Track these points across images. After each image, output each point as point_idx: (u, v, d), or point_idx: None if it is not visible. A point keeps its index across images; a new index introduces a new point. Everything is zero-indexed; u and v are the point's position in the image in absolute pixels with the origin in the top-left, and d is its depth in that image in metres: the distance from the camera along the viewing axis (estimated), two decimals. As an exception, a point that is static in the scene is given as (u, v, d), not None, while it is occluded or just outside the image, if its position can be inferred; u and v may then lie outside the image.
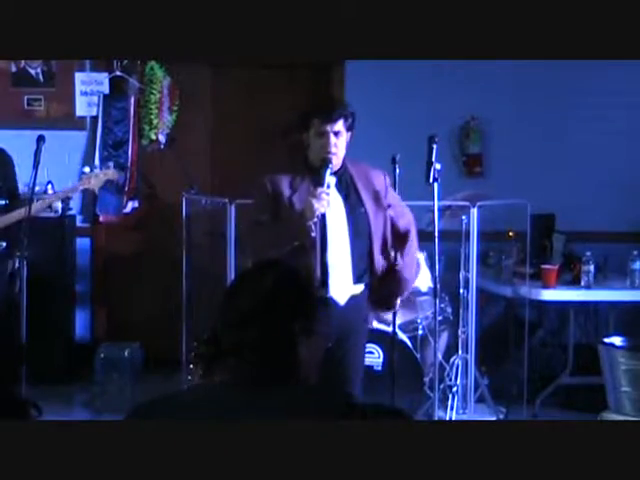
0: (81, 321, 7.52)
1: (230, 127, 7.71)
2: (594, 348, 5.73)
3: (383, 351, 5.92)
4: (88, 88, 7.37)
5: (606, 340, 5.67)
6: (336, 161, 4.40)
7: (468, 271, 6.12)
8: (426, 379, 6.01)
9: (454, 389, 6.09)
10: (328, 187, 4.25)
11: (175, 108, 7.47)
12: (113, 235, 7.56)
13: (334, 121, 4.37)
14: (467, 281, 6.14)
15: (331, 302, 4.34)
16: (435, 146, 5.05)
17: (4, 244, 6.24)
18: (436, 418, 5.47)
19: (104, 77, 7.38)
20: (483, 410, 6.25)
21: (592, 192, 7.52)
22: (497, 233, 6.73)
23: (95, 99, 7.38)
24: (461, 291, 6.15)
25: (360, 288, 4.44)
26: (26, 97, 7.29)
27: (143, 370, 6.97)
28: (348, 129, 4.47)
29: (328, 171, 4.30)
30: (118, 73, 7.36)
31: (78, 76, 7.36)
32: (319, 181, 4.29)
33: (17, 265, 5.99)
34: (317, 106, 4.50)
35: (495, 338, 6.84)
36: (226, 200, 6.06)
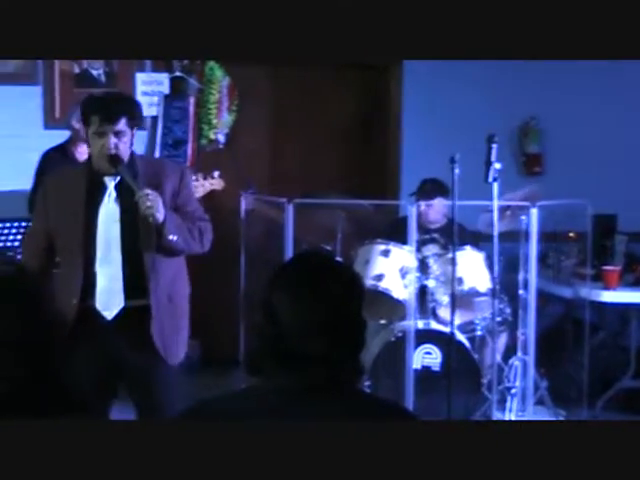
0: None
1: (288, 127, 7.73)
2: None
3: (441, 352, 5.90)
4: (149, 88, 7.42)
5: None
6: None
7: (527, 272, 6.07)
8: (484, 380, 5.97)
9: (512, 391, 6.04)
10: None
11: (234, 108, 7.49)
12: (173, 234, 7.60)
13: (117, 124, 4.00)
14: (526, 282, 6.09)
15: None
16: (494, 146, 5.03)
17: None
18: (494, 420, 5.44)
19: (164, 77, 7.43)
20: (542, 412, 6.20)
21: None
22: (557, 234, 6.67)
23: (155, 99, 7.43)
24: (520, 292, 6.10)
25: None
26: (88, 98, 7.36)
27: (200, 369, 7.00)
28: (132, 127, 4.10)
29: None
30: (178, 73, 7.41)
31: (139, 76, 7.41)
32: (96, 190, 4.06)
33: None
34: (97, 101, 4.12)
35: (555, 340, 6.78)
36: (284, 199, 6.06)
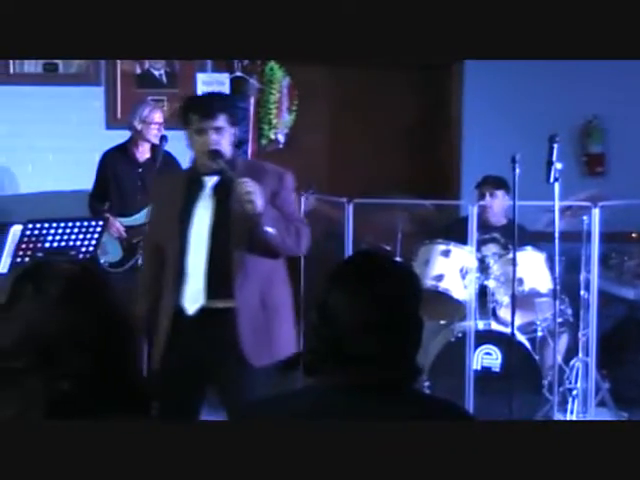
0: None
1: (349, 127, 7.73)
2: None
3: (501, 353, 5.87)
4: (209, 88, 7.45)
5: None
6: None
7: (589, 272, 6.02)
8: (545, 382, 5.93)
9: (574, 392, 6.00)
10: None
11: (294, 108, 7.52)
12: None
13: (216, 120, 4.08)
14: (588, 283, 6.04)
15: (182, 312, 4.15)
16: (556, 145, 5.00)
17: None
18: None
19: (225, 77, 7.47)
20: (604, 414, 6.14)
21: None
22: (619, 234, 6.61)
23: (216, 99, 7.48)
24: (582, 293, 6.06)
25: None
26: (149, 98, 7.43)
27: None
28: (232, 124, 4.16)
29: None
30: (238, 74, 7.44)
31: (200, 77, 7.46)
32: (195, 188, 4.15)
33: (140, 262, 6.15)
34: (195, 101, 4.30)
35: (616, 341, 6.72)
36: (344, 199, 6.07)
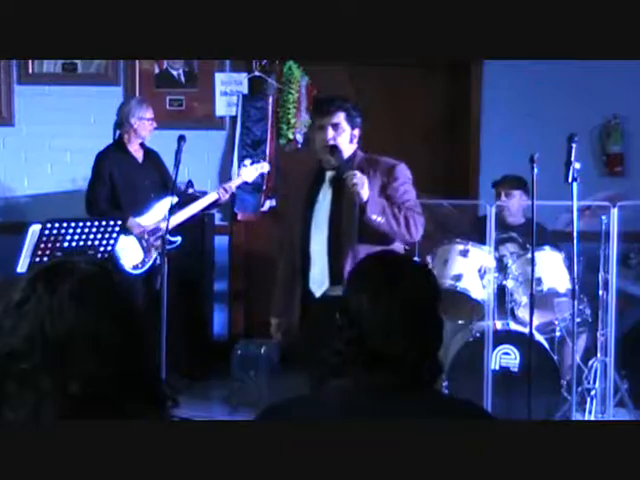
0: (219, 318, 7.64)
1: (367, 126, 7.71)
2: None
3: (520, 352, 5.85)
4: (228, 88, 7.48)
5: None
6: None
7: (608, 272, 6.00)
8: (563, 382, 5.92)
9: (592, 392, 5.97)
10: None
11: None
12: (251, 233, 7.65)
13: (334, 116, 4.50)
14: (606, 283, 6.02)
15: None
16: (575, 145, 4.98)
17: (179, 239, 6.47)
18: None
19: (243, 77, 7.48)
20: (623, 415, 6.12)
21: None
22: (638, 234, 6.58)
23: (234, 99, 7.48)
24: (600, 293, 6.03)
25: None
26: (168, 98, 7.45)
27: (279, 368, 7.04)
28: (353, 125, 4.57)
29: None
30: (257, 73, 7.45)
31: (218, 76, 7.48)
32: (318, 181, 4.62)
33: (158, 262, 6.16)
34: (317, 101, 4.68)
35: (635, 341, 6.69)
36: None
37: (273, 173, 7.47)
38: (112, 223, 5.62)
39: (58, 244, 5.35)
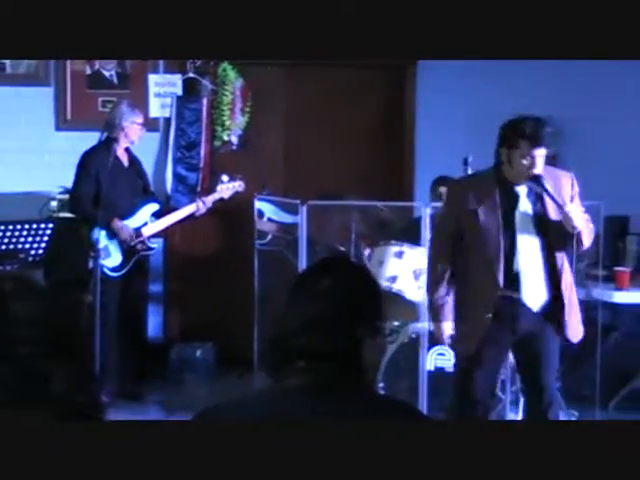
0: (154, 321, 7.59)
1: (303, 128, 7.73)
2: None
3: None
4: (161, 90, 7.43)
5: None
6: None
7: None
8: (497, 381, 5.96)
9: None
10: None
11: (247, 109, 7.50)
12: (186, 236, 7.61)
13: (543, 147, 4.50)
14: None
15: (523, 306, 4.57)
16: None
17: (157, 245, 6.50)
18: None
19: (177, 79, 7.43)
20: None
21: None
22: (570, 235, 6.65)
23: (168, 100, 7.44)
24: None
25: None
26: (100, 99, 7.38)
27: (216, 370, 7.02)
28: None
29: (547, 185, 4.51)
30: (191, 75, 7.41)
31: (152, 78, 7.42)
32: (510, 195, 4.54)
33: (90, 266, 6.12)
34: (527, 127, 4.50)
35: (568, 341, 6.76)
36: (298, 201, 6.08)
37: (208, 175, 7.44)
38: (43, 226, 5.57)
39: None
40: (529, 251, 4.54)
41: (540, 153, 4.46)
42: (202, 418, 2.21)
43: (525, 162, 4.44)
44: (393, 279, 5.88)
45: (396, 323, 6.13)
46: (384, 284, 5.82)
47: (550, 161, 7.49)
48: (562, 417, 6.11)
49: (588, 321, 6.72)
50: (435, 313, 4.76)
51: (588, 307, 6.69)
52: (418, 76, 7.51)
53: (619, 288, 6.36)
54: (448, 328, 4.71)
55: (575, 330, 4.78)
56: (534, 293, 4.58)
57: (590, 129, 7.51)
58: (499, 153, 4.55)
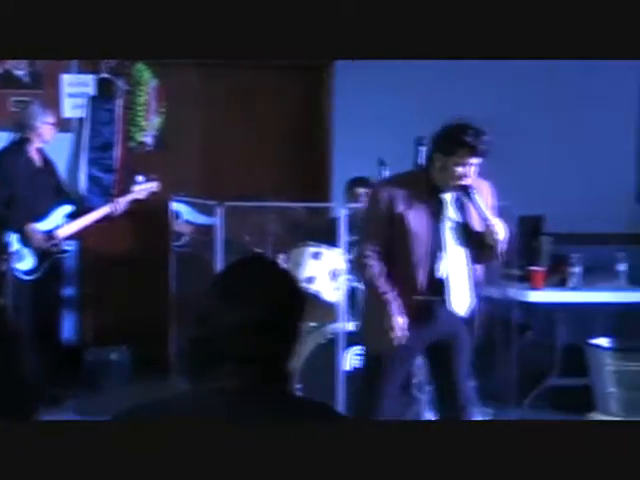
0: (68, 325, 7.49)
1: (219, 128, 7.70)
2: (581, 349, 5.74)
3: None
4: (75, 90, 7.34)
5: (593, 341, 5.68)
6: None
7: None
8: (414, 381, 5.99)
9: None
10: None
11: (162, 110, 7.45)
12: (101, 237, 7.53)
13: (480, 157, 4.49)
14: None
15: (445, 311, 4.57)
16: (422, 148, 5.05)
17: (72, 247, 6.41)
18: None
19: (91, 79, 7.35)
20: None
21: (579, 194, 7.54)
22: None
23: (82, 101, 7.35)
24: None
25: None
26: (12, 99, 7.27)
27: (131, 373, 6.96)
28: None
29: (475, 196, 4.49)
30: (105, 75, 7.34)
31: (65, 78, 7.33)
32: (437, 201, 4.51)
33: (3, 268, 6.03)
34: (468, 135, 4.50)
35: (483, 340, 6.83)
36: (215, 202, 6.06)
37: (123, 176, 7.37)
38: None
39: None
40: (454, 257, 4.54)
41: (475, 162, 4.47)
42: (124, 417, 2.19)
43: (459, 170, 4.42)
44: (310, 280, 5.90)
45: (313, 324, 6.14)
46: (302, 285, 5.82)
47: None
48: (477, 415, 6.19)
49: (503, 320, 6.83)
50: (387, 309, 4.54)
51: (503, 306, 6.78)
52: (335, 77, 7.53)
53: (533, 287, 6.44)
54: (402, 322, 4.52)
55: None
56: (459, 298, 4.58)
57: (502, 130, 7.58)
58: (432, 157, 4.52)
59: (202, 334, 2.21)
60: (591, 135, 7.65)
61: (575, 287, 6.47)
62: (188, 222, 6.73)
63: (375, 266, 4.54)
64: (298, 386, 5.77)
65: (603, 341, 5.63)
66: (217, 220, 6.03)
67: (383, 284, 4.53)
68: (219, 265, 5.95)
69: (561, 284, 6.57)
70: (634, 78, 7.72)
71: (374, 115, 7.41)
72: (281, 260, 6.10)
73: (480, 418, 6.18)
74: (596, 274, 6.87)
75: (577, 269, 6.45)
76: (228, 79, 7.58)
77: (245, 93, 7.65)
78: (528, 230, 6.68)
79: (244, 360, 2.17)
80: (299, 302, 2.29)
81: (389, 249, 4.56)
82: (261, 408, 2.16)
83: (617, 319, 6.97)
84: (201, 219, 6.72)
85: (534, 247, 6.88)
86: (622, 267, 6.52)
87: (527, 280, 6.50)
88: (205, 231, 6.51)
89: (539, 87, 7.62)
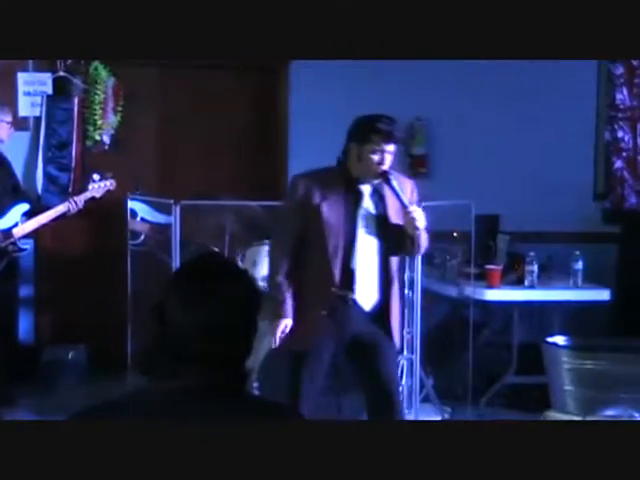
0: (25, 324, 7.44)
1: (176, 128, 7.68)
2: (538, 347, 5.78)
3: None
4: (31, 88, 7.29)
5: (549, 339, 5.72)
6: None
7: (413, 271, 6.14)
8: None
9: (399, 389, 6.09)
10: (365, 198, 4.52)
11: (120, 109, 7.41)
12: (57, 236, 7.48)
13: (394, 144, 4.47)
14: (412, 281, 6.16)
15: (356, 305, 4.51)
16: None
17: (29, 246, 6.36)
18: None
19: (47, 77, 7.30)
20: (428, 410, 6.28)
21: (535, 192, 7.59)
22: (442, 233, 6.76)
23: (38, 99, 7.30)
24: (406, 291, 6.17)
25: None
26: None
27: (88, 372, 6.92)
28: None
29: (394, 182, 4.46)
30: (62, 73, 7.29)
31: (21, 76, 7.28)
32: (354, 193, 4.50)
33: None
34: (380, 123, 4.48)
35: (440, 338, 6.87)
36: (171, 201, 6.05)
37: (79, 175, 7.33)
38: None
39: None
40: (367, 250, 4.50)
41: (390, 149, 4.44)
42: (81, 417, 2.18)
43: (375, 157, 4.42)
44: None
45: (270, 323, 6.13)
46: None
47: (421, 161, 7.69)
48: (435, 414, 6.21)
49: (460, 319, 6.88)
50: (275, 308, 4.54)
51: (460, 305, 6.83)
52: (291, 76, 7.53)
53: (490, 286, 6.48)
54: (283, 325, 4.53)
55: (398, 337, 4.70)
56: (366, 293, 4.52)
57: (459, 129, 7.64)
58: (347, 149, 4.55)
59: (159, 333, 2.21)
60: (548, 133, 7.70)
61: (531, 285, 6.51)
62: (144, 221, 6.70)
63: (284, 294, 4.53)
64: (255, 385, 5.76)
65: (560, 339, 5.66)
66: (173, 219, 6.02)
67: (280, 284, 4.54)
68: (175, 264, 5.94)
69: (518, 282, 6.61)
70: (591, 75, 7.78)
71: (330, 113, 7.41)
72: (238, 259, 6.10)
73: (437, 416, 6.22)
74: (552, 272, 6.92)
75: (533, 267, 6.49)
76: (185, 78, 7.56)
77: (202, 92, 7.63)
78: (485, 229, 6.71)
79: (200, 359, 2.17)
80: (255, 301, 2.29)
81: (305, 243, 4.54)
82: (217, 407, 2.16)
83: (573, 317, 7.04)
84: (157, 218, 6.70)
85: (491, 246, 6.92)
86: (578, 265, 6.57)
87: (484, 279, 6.54)
88: (161, 230, 6.50)
89: (495, 84, 7.65)
